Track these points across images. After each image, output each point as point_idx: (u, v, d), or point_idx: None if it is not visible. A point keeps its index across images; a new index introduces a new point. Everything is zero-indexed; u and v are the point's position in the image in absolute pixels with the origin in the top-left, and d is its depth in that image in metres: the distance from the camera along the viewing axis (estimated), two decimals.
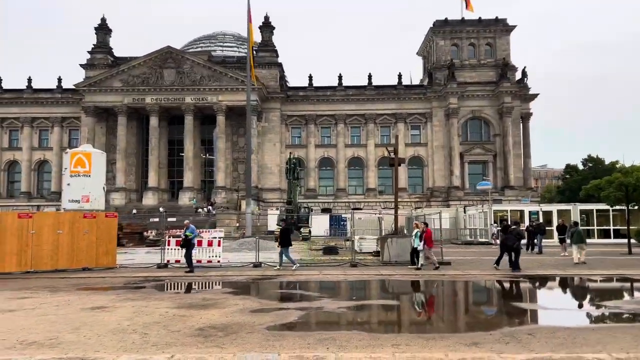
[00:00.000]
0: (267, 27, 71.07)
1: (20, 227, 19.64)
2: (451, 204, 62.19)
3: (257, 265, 21.31)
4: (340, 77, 72.34)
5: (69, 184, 34.51)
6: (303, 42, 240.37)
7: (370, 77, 72.27)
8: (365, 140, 71.73)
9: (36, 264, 19.84)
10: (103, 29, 72.41)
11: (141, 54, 67.40)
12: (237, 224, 53.40)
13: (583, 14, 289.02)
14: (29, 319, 10.78)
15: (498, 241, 36.06)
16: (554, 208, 41.20)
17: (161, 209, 57.61)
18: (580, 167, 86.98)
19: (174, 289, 16.54)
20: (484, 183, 56.67)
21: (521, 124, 71.80)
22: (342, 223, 49.99)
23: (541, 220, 36.37)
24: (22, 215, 20.24)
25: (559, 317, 12.11)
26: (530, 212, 39.90)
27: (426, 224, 21.48)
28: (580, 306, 14.31)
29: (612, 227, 39.01)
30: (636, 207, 29.11)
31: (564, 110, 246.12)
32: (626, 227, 30.40)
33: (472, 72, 71.63)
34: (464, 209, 46.43)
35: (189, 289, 16.48)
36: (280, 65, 72.20)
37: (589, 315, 12.69)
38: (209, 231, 46.15)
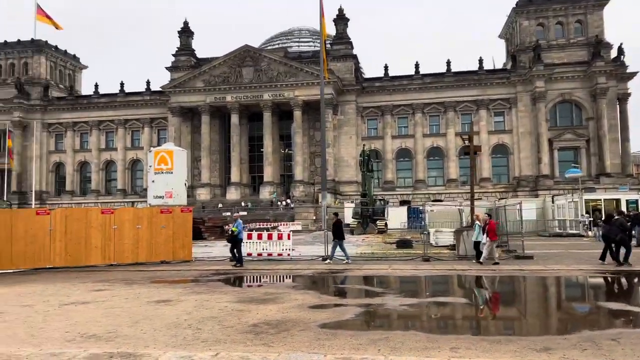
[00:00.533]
0: (341, 19, 70.60)
1: (104, 223, 20.81)
2: (540, 194, 58.60)
3: (325, 258, 21.08)
4: (417, 65, 70.33)
5: (153, 181, 36.50)
6: (376, 30, 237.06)
7: (448, 63, 69.63)
8: (444, 129, 69.30)
9: (119, 257, 20.95)
10: (185, 32, 75.56)
11: (220, 54, 69.76)
12: (314, 217, 53.75)
13: None
14: (97, 311, 11.23)
15: (590, 233, 33.52)
16: None
17: (243, 203, 59.44)
18: None
19: (240, 282, 16.69)
20: (572, 170, 52.59)
21: (618, 106, 66.02)
22: (420, 215, 48.46)
23: None
24: (105, 211, 21.42)
25: None
26: (627, 200, 36.46)
27: (489, 215, 20.25)
28: None
29: None
30: None
31: None
32: None
33: (561, 53, 66.78)
34: (552, 198, 43.41)
35: (254, 282, 16.61)
36: (355, 57, 71.54)
37: None
38: (286, 224, 47.39)
